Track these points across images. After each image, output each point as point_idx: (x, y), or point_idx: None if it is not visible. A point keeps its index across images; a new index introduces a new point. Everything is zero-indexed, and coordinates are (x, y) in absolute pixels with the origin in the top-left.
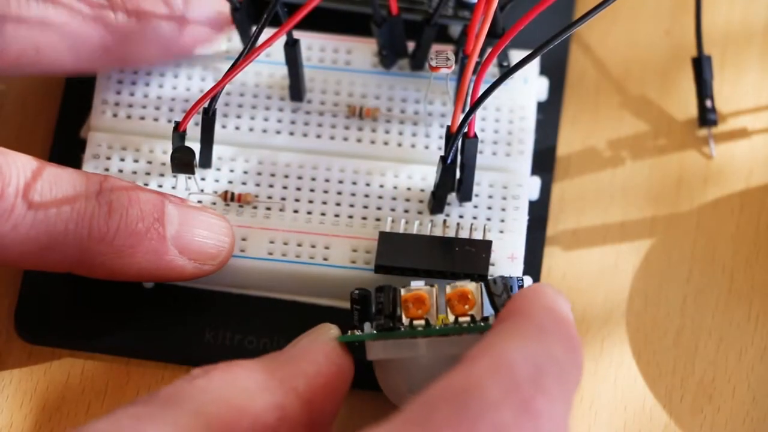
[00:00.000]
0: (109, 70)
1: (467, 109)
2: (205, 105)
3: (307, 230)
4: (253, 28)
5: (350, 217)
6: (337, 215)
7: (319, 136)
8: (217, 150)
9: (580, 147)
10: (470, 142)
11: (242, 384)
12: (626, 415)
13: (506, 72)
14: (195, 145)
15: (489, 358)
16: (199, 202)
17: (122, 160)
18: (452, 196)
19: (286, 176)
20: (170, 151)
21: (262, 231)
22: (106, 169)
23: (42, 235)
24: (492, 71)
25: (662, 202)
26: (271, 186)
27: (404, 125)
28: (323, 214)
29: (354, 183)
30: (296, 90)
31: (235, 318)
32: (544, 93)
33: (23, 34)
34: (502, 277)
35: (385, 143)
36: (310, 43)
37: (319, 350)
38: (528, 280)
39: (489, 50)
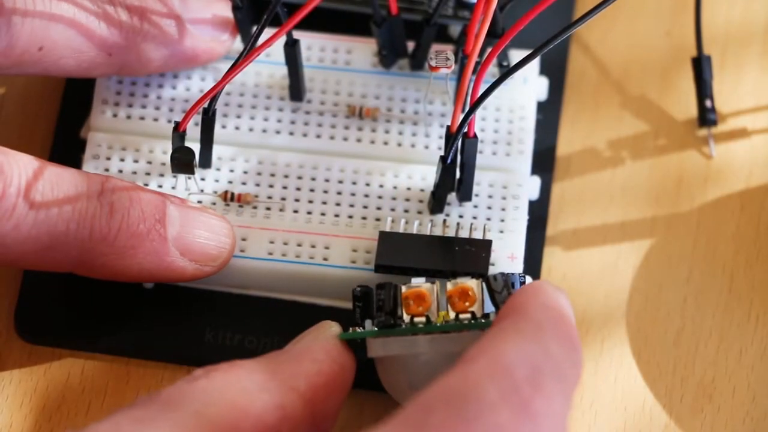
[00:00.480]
0: (110, 74)
1: (467, 108)
2: (205, 105)
3: (307, 230)
4: (254, 29)
5: (350, 217)
6: (337, 215)
7: (318, 136)
8: (216, 150)
9: (580, 147)
10: (470, 141)
11: (243, 385)
12: (626, 415)
13: (506, 72)
14: (195, 146)
15: (486, 358)
16: (199, 202)
17: (122, 160)
18: (452, 196)
19: (286, 176)
20: (170, 151)
21: (262, 231)
22: (106, 170)
23: (43, 235)
24: (492, 71)
25: (662, 202)
26: (271, 186)
27: (404, 125)
28: (323, 214)
29: (354, 183)
30: (296, 90)
31: (235, 318)
32: (544, 93)
33: (27, 31)
34: (503, 274)
35: (385, 143)
36: (310, 43)
37: (320, 349)
38: (530, 279)
39: (489, 50)
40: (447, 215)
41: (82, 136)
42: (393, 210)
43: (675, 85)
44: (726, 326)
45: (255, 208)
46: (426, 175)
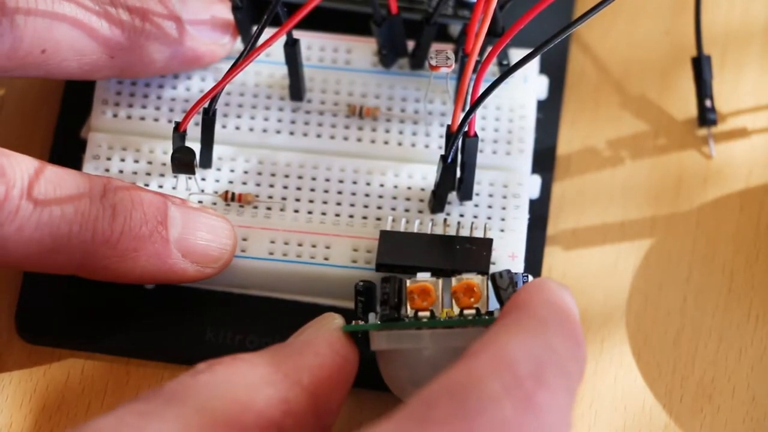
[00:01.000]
0: (111, 77)
1: (467, 108)
2: (206, 105)
3: (308, 230)
4: (254, 29)
5: (351, 216)
6: (337, 215)
7: (319, 136)
8: (217, 150)
9: (579, 146)
10: (470, 141)
11: (246, 378)
12: (626, 414)
13: (506, 71)
14: (195, 146)
15: (489, 353)
16: (200, 202)
17: (122, 160)
18: (453, 195)
19: (287, 176)
20: (170, 151)
21: (263, 231)
22: (107, 170)
23: (46, 238)
24: (492, 70)
25: (662, 201)
26: (271, 186)
27: (404, 124)
28: (324, 214)
29: (354, 182)
30: (296, 89)
31: (236, 318)
32: (544, 91)
33: (31, 33)
34: (509, 271)
35: (386, 142)
36: (310, 42)
37: (323, 341)
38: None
39: (489, 49)
40: (448, 214)
41: (83, 136)
42: (394, 209)
43: (675, 85)
44: (726, 326)
45: (255, 208)
46: (426, 175)
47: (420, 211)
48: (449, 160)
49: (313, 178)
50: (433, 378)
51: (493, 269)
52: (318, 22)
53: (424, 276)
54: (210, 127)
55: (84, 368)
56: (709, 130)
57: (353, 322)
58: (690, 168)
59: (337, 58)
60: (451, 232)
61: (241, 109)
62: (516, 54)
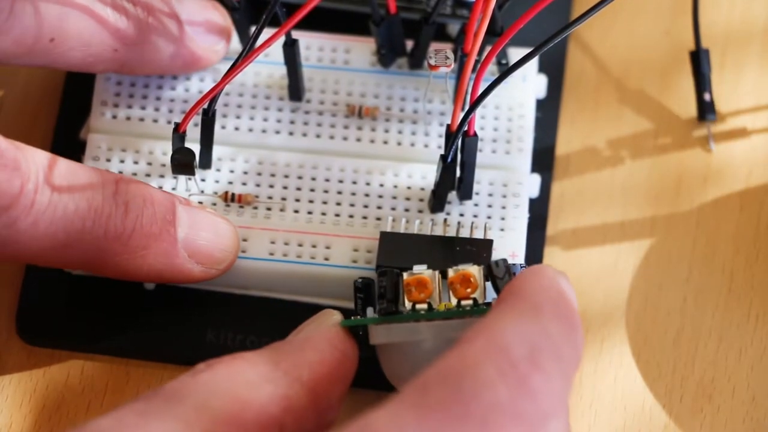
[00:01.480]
0: (111, 71)
1: (467, 107)
2: (205, 106)
3: (308, 230)
4: (252, 29)
5: (351, 216)
6: (337, 215)
7: (318, 136)
8: (216, 150)
9: (579, 146)
10: (470, 140)
11: (246, 376)
12: (626, 414)
13: (506, 71)
14: (195, 146)
15: (484, 338)
16: (200, 203)
17: (122, 161)
18: (453, 195)
19: (286, 176)
20: (170, 152)
21: (263, 231)
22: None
23: (60, 232)
24: (490, 69)
25: (662, 201)
26: (271, 186)
27: (403, 124)
28: (324, 214)
29: (354, 182)
30: (295, 90)
31: (236, 318)
32: (543, 91)
33: (42, 20)
34: (504, 260)
35: (385, 142)
36: (309, 42)
37: (322, 337)
38: None
39: (487, 48)
40: (448, 214)
41: (82, 137)
42: (393, 209)
43: (674, 85)
44: (726, 326)
45: (255, 208)
46: (426, 174)
47: (420, 211)
48: (449, 159)
49: (313, 178)
50: None
51: None
52: (317, 22)
53: (420, 268)
54: (209, 127)
55: (84, 368)
56: (708, 125)
57: (351, 317)
58: (690, 168)
59: (336, 58)
60: (451, 231)
61: (241, 110)
62: (515, 53)
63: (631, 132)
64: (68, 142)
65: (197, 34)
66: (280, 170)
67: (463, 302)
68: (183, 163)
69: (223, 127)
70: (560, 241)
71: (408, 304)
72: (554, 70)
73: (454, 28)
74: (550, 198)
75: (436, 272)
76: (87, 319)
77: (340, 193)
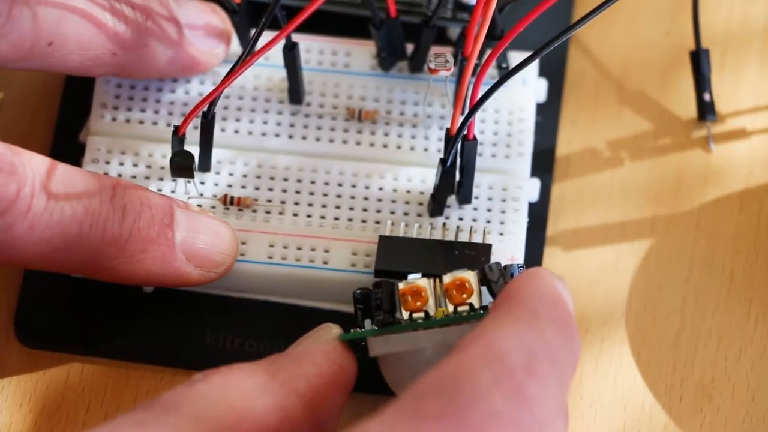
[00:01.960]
0: (110, 75)
1: (466, 111)
2: (204, 109)
3: (307, 233)
4: (252, 32)
5: (350, 220)
6: (336, 218)
7: (318, 139)
8: (216, 153)
9: (580, 147)
10: (470, 144)
11: (243, 387)
12: (626, 414)
13: (506, 74)
14: (194, 149)
15: (480, 345)
16: (199, 206)
17: (121, 164)
18: (452, 199)
19: (286, 179)
20: (169, 155)
21: (262, 235)
22: (106, 174)
23: (57, 237)
24: (490, 72)
25: (662, 201)
26: (270, 189)
27: (403, 128)
28: (323, 218)
29: (353, 186)
30: (295, 93)
31: (235, 322)
32: (543, 94)
33: (40, 24)
34: (498, 264)
35: (384, 146)
36: (309, 45)
37: (319, 350)
38: None
39: (488, 52)
40: (447, 218)
41: (82, 139)
42: (393, 213)
43: (675, 85)
44: (725, 326)
45: (255, 211)
46: (425, 178)
47: (419, 215)
48: (448, 163)
49: (312, 182)
50: None
51: None
52: (317, 25)
53: (415, 277)
54: (209, 130)
55: (84, 368)
56: (708, 125)
57: (350, 330)
58: (690, 168)
59: (336, 62)
60: (450, 235)
61: (240, 113)
62: (515, 57)
63: (631, 132)
64: (68, 145)
65: (196, 38)
66: (280, 173)
67: (460, 308)
68: (182, 166)
69: (223, 130)
70: (560, 241)
71: (405, 314)
72: (555, 72)
73: (454, 31)
74: (549, 201)
75: (431, 280)
76: (86, 322)
77: (339, 196)
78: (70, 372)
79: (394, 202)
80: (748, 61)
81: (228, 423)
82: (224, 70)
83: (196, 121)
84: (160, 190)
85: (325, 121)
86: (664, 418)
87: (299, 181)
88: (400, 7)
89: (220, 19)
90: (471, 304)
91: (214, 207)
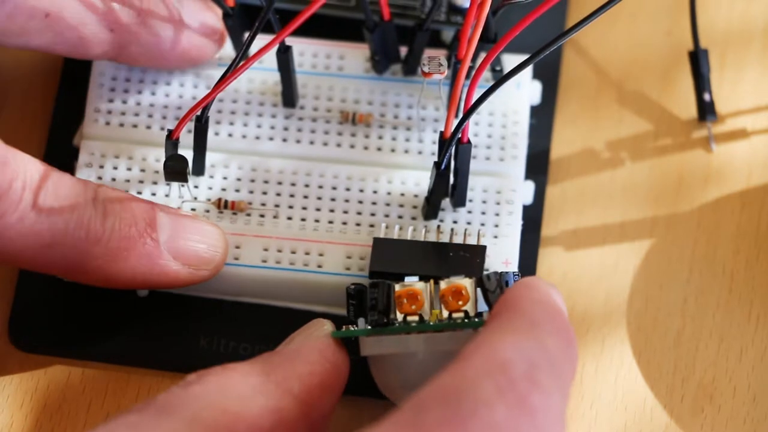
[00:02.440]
0: (108, 56)
1: (460, 114)
2: (198, 113)
3: (301, 237)
4: (245, 35)
5: (344, 223)
6: (330, 222)
7: (312, 143)
8: (210, 157)
9: (580, 146)
10: (464, 147)
11: (237, 389)
12: (627, 415)
13: (500, 79)
14: (188, 153)
15: (482, 355)
16: (193, 209)
17: (115, 168)
18: (446, 202)
19: (280, 183)
20: (163, 159)
21: (256, 238)
22: (99, 177)
23: (45, 232)
24: (484, 75)
25: (662, 202)
26: (264, 193)
27: (397, 131)
28: (317, 221)
29: (347, 189)
30: (289, 96)
31: (229, 325)
32: (537, 97)
33: None
34: (496, 273)
35: (379, 149)
36: (303, 49)
37: (312, 348)
38: None
39: (481, 54)
40: (441, 221)
41: (75, 143)
42: (387, 216)
43: (675, 85)
44: (726, 326)
45: (249, 215)
46: (419, 181)
47: (413, 218)
48: (442, 166)
49: (306, 185)
50: (424, 382)
51: None
52: (310, 28)
53: (412, 280)
54: (203, 134)
55: (84, 369)
56: (709, 124)
57: (343, 327)
58: (690, 168)
59: (330, 65)
60: (445, 238)
61: (234, 116)
62: (509, 59)
63: (632, 132)
64: (62, 149)
65: (193, 25)
66: (274, 177)
67: (455, 315)
68: (176, 170)
69: (217, 134)
70: (561, 241)
71: (399, 316)
72: (549, 74)
73: (448, 34)
74: (544, 204)
75: (428, 284)
76: (81, 327)
77: (333, 199)
78: (71, 372)
79: (388, 205)
80: (749, 61)
81: (222, 425)
82: (218, 73)
83: (190, 125)
84: (154, 195)
85: (319, 125)
86: (665, 418)
87: (293, 184)
88: (394, 10)
89: (215, 16)
90: (466, 311)
91: (208, 211)
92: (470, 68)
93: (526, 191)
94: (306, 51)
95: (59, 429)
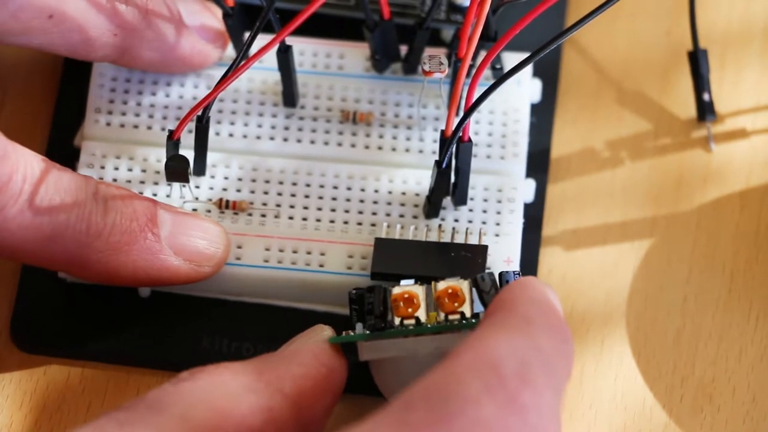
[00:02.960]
0: (110, 59)
1: (461, 112)
2: (199, 113)
3: (303, 237)
4: (246, 35)
5: (345, 222)
6: (332, 221)
7: (313, 142)
8: (211, 157)
9: (580, 147)
10: (465, 146)
11: (228, 386)
12: (626, 414)
13: (501, 77)
14: (189, 153)
15: (472, 353)
16: (194, 210)
17: (116, 168)
18: (447, 200)
19: (281, 182)
20: (164, 159)
21: (258, 238)
22: (101, 178)
23: (46, 224)
24: (484, 73)
25: (662, 201)
26: (265, 193)
27: (398, 129)
28: (318, 220)
29: (349, 188)
30: (289, 96)
31: (231, 325)
32: (538, 95)
33: None
34: (490, 274)
35: (379, 148)
36: (303, 48)
37: (308, 352)
38: None
39: (481, 53)
40: (443, 219)
41: (76, 144)
42: (388, 215)
43: (674, 85)
44: (726, 326)
45: (250, 215)
46: (421, 180)
47: (415, 217)
48: (444, 165)
49: (308, 185)
50: None
51: None
52: (310, 27)
53: (407, 283)
54: (203, 134)
55: (84, 369)
56: (708, 124)
57: (343, 332)
58: (690, 168)
59: (330, 64)
60: (446, 237)
61: (235, 116)
62: (509, 57)
63: (631, 132)
64: (63, 149)
65: (196, 30)
66: (275, 177)
67: (451, 317)
68: (177, 171)
69: (218, 134)
70: (561, 241)
71: (396, 320)
72: (549, 72)
73: (448, 33)
74: (545, 202)
75: (423, 286)
76: (83, 327)
77: (334, 199)
78: (70, 371)
79: (389, 204)
80: (748, 61)
81: (211, 423)
82: (218, 73)
83: (191, 125)
84: (155, 195)
85: (319, 124)
86: (665, 418)
87: (294, 184)
88: (394, 9)
89: (216, 18)
90: (462, 313)
91: (209, 211)
92: (470, 67)
93: (527, 189)
94: (306, 50)
95: (59, 429)
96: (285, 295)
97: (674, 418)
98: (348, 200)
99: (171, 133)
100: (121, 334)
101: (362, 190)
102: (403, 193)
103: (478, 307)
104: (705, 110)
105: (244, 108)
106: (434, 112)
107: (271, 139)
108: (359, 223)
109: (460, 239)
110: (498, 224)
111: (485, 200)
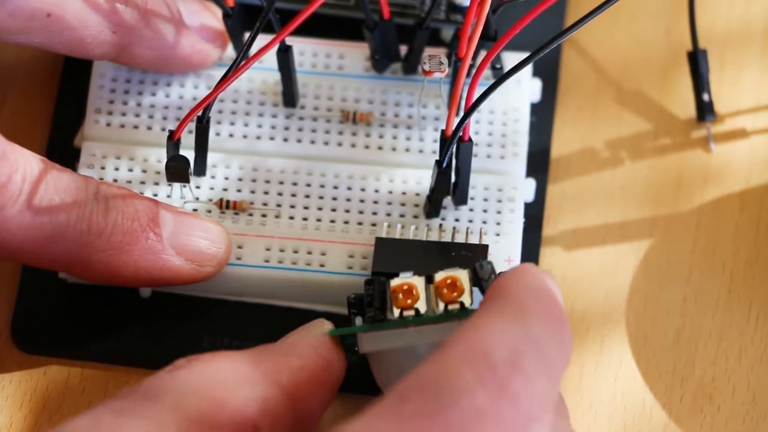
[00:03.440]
0: (109, 57)
1: (461, 112)
2: (199, 113)
3: (303, 237)
4: (246, 35)
5: (346, 222)
6: (332, 221)
7: (313, 142)
8: (211, 157)
9: (579, 147)
10: (465, 145)
11: (224, 376)
12: (626, 414)
13: (501, 77)
14: (189, 153)
15: (464, 343)
16: (195, 210)
17: (116, 169)
18: (448, 200)
19: (281, 183)
20: (164, 159)
21: (258, 238)
22: (101, 178)
23: (46, 224)
24: (484, 73)
25: (662, 201)
26: (266, 193)
27: (398, 129)
28: (319, 220)
29: (349, 188)
30: (289, 96)
31: (232, 325)
32: (538, 94)
33: None
34: (489, 262)
35: (379, 148)
36: (303, 48)
37: (306, 344)
38: None
39: (481, 53)
40: (443, 219)
41: (76, 144)
42: (389, 215)
43: (674, 85)
44: (726, 326)
45: (251, 215)
46: (421, 180)
47: (415, 216)
48: (444, 165)
49: (308, 185)
50: None
51: None
52: (310, 27)
53: (406, 275)
54: (204, 135)
55: (84, 369)
56: (708, 124)
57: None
58: (690, 168)
59: (330, 64)
60: (447, 237)
61: (235, 116)
62: (509, 57)
63: (631, 132)
64: (63, 150)
65: (197, 31)
66: (275, 177)
67: (450, 306)
68: (177, 171)
69: (218, 134)
70: (560, 241)
71: (396, 311)
72: (549, 72)
73: (448, 33)
74: (545, 202)
75: (423, 278)
76: (84, 328)
77: (335, 199)
78: (70, 371)
79: (389, 204)
80: (748, 61)
81: (206, 412)
82: (219, 74)
83: (191, 126)
84: (155, 195)
85: (319, 124)
86: (665, 417)
87: (295, 184)
88: (394, 9)
89: (216, 18)
90: (462, 303)
91: (209, 211)
92: (471, 66)
93: (527, 189)
94: (306, 50)
95: None
96: (286, 295)
97: (674, 418)
98: (348, 200)
99: (171, 134)
100: (121, 334)
101: (362, 190)
102: (404, 193)
103: (479, 298)
104: (705, 110)
105: (245, 108)
106: (434, 112)
107: (272, 139)
108: (360, 223)
109: (460, 239)
110: (498, 224)
111: (486, 200)
